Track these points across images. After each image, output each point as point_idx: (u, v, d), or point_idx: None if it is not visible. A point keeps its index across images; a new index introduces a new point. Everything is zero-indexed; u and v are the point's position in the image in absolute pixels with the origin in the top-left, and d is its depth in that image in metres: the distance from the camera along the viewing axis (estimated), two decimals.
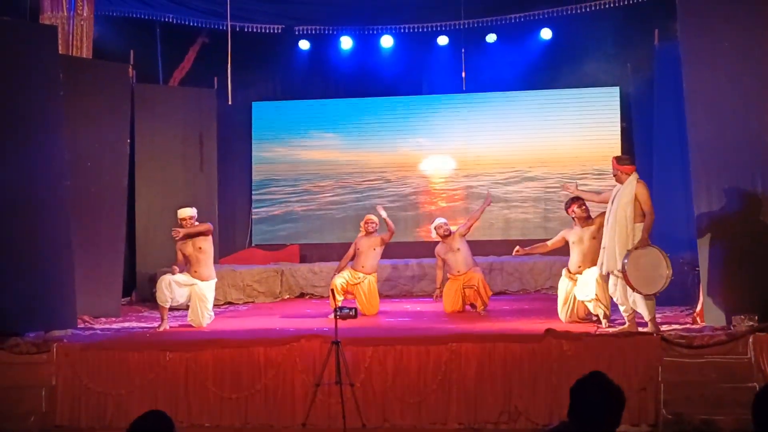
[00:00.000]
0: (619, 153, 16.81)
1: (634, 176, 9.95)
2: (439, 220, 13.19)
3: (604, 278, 10.24)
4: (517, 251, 11.73)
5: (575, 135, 17.49)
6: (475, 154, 18.04)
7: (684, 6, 10.78)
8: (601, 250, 10.10)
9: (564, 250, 11.59)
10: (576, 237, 11.28)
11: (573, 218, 11.36)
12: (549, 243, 11.77)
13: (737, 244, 10.11)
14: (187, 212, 12.07)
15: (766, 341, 9.11)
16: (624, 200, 9.80)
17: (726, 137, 10.30)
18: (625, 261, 9.55)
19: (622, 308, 10.15)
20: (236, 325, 12.14)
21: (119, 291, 13.84)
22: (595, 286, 10.57)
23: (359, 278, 13.00)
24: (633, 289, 9.63)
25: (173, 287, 11.74)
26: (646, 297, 9.69)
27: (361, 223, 13.31)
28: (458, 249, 12.88)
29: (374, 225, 13.17)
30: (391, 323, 12.14)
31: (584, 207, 11.24)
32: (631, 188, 9.84)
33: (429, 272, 15.46)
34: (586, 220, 11.21)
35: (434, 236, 13.18)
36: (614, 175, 10.13)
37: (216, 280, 12.26)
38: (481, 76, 16.93)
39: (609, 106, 17.44)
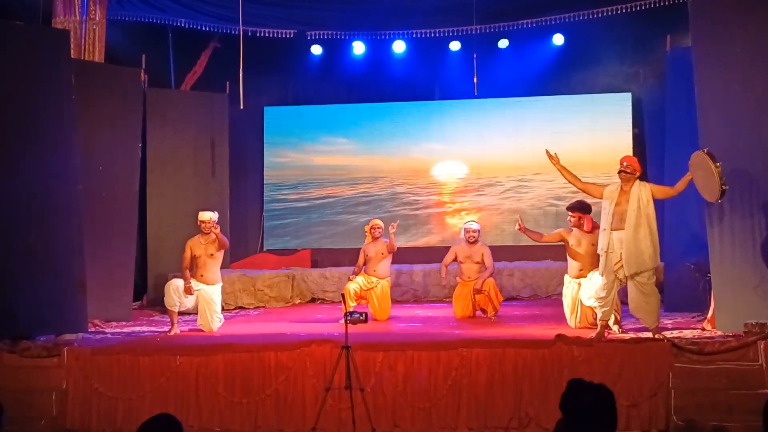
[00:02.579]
0: None
1: (638, 181, 10.08)
2: (473, 225, 13.15)
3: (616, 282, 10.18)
4: (520, 225, 11.74)
5: (587, 141, 17.45)
6: (487, 160, 18.03)
7: (696, 11, 10.77)
8: (604, 255, 10.05)
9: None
10: (575, 240, 11.30)
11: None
12: (545, 235, 11.96)
13: (749, 251, 10.08)
14: (209, 215, 12.01)
15: None
16: (644, 201, 9.85)
17: (738, 143, 10.28)
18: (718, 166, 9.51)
19: (604, 312, 10.15)
20: (247, 330, 12.15)
21: (130, 295, 13.86)
22: None
23: (373, 283, 12.99)
24: (725, 183, 9.55)
25: (181, 292, 11.74)
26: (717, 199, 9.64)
27: (366, 228, 13.29)
28: (478, 262, 12.89)
29: (380, 230, 13.13)
30: (401, 328, 12.13)
31: (578, 221, 11.31)
32: (645, 189, 9.92)
33: (439, 277, 15.40)
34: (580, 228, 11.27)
35: (462, 235, 13.17)
36: (627, 173, 10.02)
37: (222, 284, 12.24)
38: (493, 81, 16.93)
39: (621, 112, 17.43)
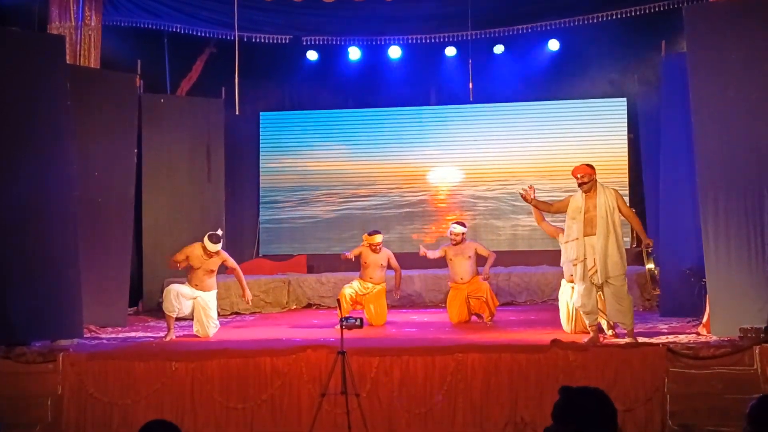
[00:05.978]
0: (626, 164, 16.99)
1: (600, 183, 10.17)
2: (456, 228, 13.01)
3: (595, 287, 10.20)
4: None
5: (582, 146, 17.43)
6: (483, 165, 18.05)
7: (691, 17, 10.81)
8: (580, 263, 10.08)
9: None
10: None
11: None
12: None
13: (744, 256, 10.10)
14: (217, 249, 11.94)
15: None
16: (610, 208, 9.97)
17: (733, 149, 10.31)
18: (652, 266, 9.67)
19: (590, 318, 10.19)
20: (243, 335, 12.14)
21: (126, 301, 13.85)
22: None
23: (368, 288, 12.98)
24: (656, 285, 9.74)
25: (180, 298, 11.73)
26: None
27: (365, 237, 13.24)
28: (469, 257, 12.86)
29: (379, 246, 13.11)
30: (397, 334, 12.14)
31: None
32: (609, 195, 10.04)
33: (436, 283, 15.44)
34: None
35: (448, 235, 13.13)
36: (585, 183, 10.13)
37: (216, 290, 12.24)
38: (488, 87, 16.96)
39: (616, 118, 17.46)
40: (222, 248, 12.10)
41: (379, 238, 13.16)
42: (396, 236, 17.88)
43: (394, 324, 13.06)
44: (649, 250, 9.79)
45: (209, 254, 11.89)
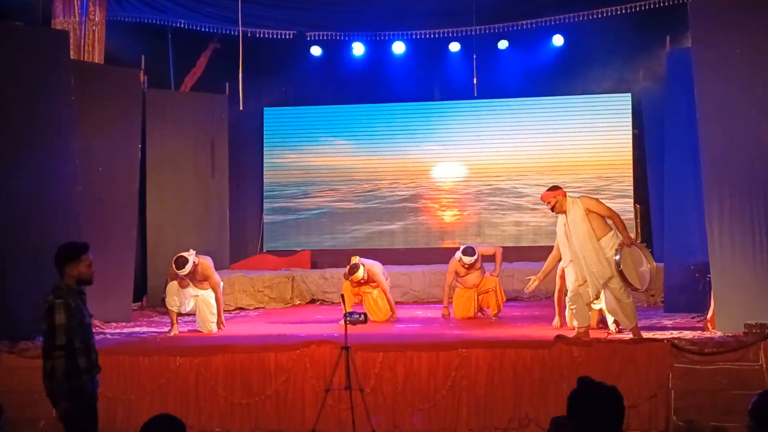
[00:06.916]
0: (630, 160, 16.97)
1: (569, 198, 10.16)
2: (467, 258, 12.57)
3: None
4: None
5: (587, 141, 17.46)
6: (487, 161, 18.03)
7: (696, 13, 10.79)
8: (576, 287, 10.15)
9: None
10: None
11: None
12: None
13: (749, 252, 10.08)
14: (186, 270, 11.48)
15: None
16: (578, 223, 9.99)
17: (738, 145, 10.30)
18: (618, 258, 9.62)
19: (577, 320, 10.23)
20: (247, 331, 12.15)
21: (130, 296, 13.85)
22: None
23: (368, 290, 12.93)
24: (629, 285, 9.72)
25: (182, 293, 11.70)
26: (636, 291, 9.82)
27: (347, 275, 12.77)
28: (478, 268, 12.77)
29: (363, 279, 12.70)
30: (401, 329, 12.13)
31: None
32: (577, 209, 10.02)
33: (440, 278, 15.41)
34: None
35: (457, 257, 12.73)
36: (552, 208, 10.21)
37: (221, 284, 12.16)
38: (492, 82, 16.91)
39: (621, 113, 17.43)
40: (196, 259, 11.58)
41: (360, 273, 12.58)
42: (400, 231, 17.89)
43: (398, 319, 13.01)
44: (618, 252, 9.73)
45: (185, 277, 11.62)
